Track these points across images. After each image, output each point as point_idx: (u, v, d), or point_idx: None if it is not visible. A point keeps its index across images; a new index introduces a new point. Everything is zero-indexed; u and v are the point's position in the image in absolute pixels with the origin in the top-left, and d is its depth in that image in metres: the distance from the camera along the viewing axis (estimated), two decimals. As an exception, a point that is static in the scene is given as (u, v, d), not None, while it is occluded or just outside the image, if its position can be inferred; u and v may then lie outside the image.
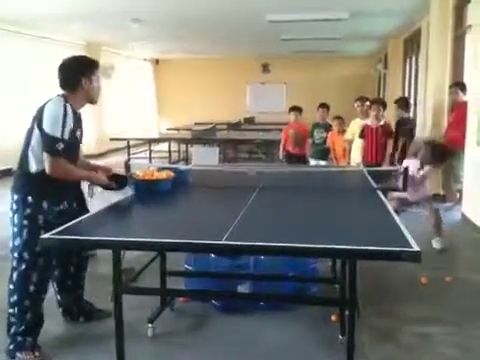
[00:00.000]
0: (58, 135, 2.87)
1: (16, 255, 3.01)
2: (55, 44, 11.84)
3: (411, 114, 8.07)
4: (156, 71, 18.74)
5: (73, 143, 3.06)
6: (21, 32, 10.59)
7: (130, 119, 15.83)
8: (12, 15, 9.07)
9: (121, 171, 3.46)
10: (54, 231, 2.48)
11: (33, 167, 2.97)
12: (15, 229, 3.02)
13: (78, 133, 3.13)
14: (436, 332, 3.35)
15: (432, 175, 5.11)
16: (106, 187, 3.26)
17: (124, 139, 10.79)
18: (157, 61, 18.61)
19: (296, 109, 7.28)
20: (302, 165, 6.53)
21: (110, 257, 2.64)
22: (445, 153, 5.36)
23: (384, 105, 6.07)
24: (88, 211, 3.18)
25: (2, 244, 3.56)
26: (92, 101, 3.20)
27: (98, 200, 3.13)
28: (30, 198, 2.97)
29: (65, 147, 2.91)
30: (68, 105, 2.96)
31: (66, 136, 2.91)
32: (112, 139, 11.06)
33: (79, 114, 3.18)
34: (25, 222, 2.98)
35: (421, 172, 5.04)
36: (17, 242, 3.01)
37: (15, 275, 3.02)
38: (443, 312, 3.67)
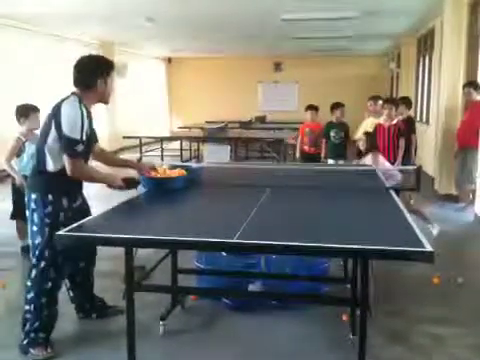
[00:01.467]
0: (78, 137, 2.89)
1: (37, 253, 3.03)
2: (69, 43, 11.93)
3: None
4: (168, 70, 18.79)
5: (89, 141, 3.09)
6: (35, 31, 10.68)
7: (142, 117, 15.88)
8: (26, 14, 9.14)
9: (132, 174, 3.43)
10: (68, 228, 2.50)
11: (51, 166, 2.99)
12: (35, 228, 3.04)
13: (90, 132, 3.14)
14: (448, 333, 3.32)
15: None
16: (118, 187, 3.23)
17: (136, 137, 10.83)
18: (169, 60, 18.65)
19: (313, 108, 7.26)
20: (315, 164, 6.52)
21: (121, 254, 2.66)
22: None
23: (397, 104, 6.03)
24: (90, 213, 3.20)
25: (1, 242, 3.56)
26: (105, 101, 3.22)
27: (101, 198, 3.12)
28: (50, 196, 3.00)
29: (85, 148, 2.96)
30: (83, 105, 2.99)
31: (85, 137, 2.95)
32: (125, 137, 11.11)
33: (91, 113, 3.18)
34: (47, 220, 3.00)
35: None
36: (38, 240, 3.02)
37: (34, 272, 3.04)
38: (455, 313, 3.65)
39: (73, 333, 3.38)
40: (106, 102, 3.24)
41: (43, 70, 10.86)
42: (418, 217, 5.11)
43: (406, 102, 6.93)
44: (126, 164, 3.61)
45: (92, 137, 3.20)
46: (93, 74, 3.08)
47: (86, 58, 3.15)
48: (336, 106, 6.97)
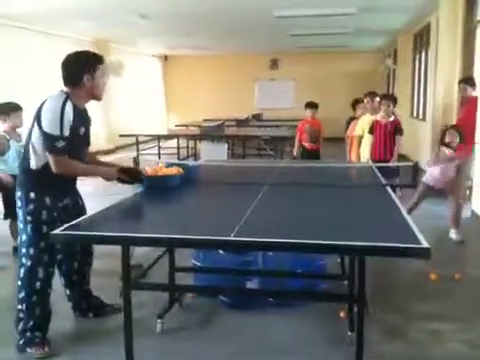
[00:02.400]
0: (57, 133, 2.85)
1: (23, 251, 3.03)
2: (63, 41, 11.87)
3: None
4: (165, 67, 18.75)
5: (77, 140, 3.03)
6: (28, 28, 10.62)
7: (139, 115, 15.86)
8: (19, 11, 9.07)
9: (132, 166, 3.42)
10: (64, 226, 2.49)
11: (33, 164, 2.97)
12: (21, 225, 3.04)
13: (82, 130, 3.09)
14: (445, 329, 3.33)
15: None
16: (121, 181, 3.19)
17: (133, 135, 10.80)
18: (166, 57, 18.61)
19: (313, 105, 7.46)
20: (314, 161, 6.52)
21: (119, 253, 2.66)
22: None
23: (394, 101, 6.03)
24: (85, 212, 3.18)
25: (1, 241, 3.57)
26: (96, 98, 3.13)
27: (99, 197, 3.11)
28: (33, 194, 2.98)
29: (67, 144, 2.89)
30: (68, 102, 2.92)
31: (66, 133, 2.88)
32: (121, 135, 11.09)
33: (84, 111, 3.14)
34: (29, 218, 2.99)
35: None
36: (23, 238, 3.03)
37: (22, 271, 3.04)
38: (452, 309, 3.66)
39: (70, 331, 3.38)
40: (98, 98, 3.14)
41: (36, 69, 10.78)
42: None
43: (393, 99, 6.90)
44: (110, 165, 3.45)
45: (86, 136, 3.16)
46: (78, 70, 3.00)
47: (71, 55, 3.07)
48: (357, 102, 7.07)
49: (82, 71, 3.00)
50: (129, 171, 3.22)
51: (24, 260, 3.03)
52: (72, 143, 2.94)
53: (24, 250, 3.02)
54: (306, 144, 7.44)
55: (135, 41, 14.07)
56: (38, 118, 2.90)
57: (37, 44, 11.08)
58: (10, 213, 4.65)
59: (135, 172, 3.27)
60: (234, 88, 17.59)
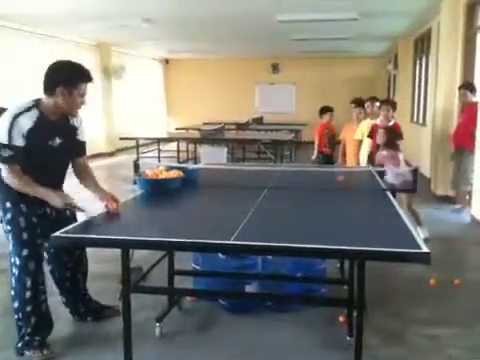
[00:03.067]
0: (3, 141, 2.77)
1: (12, 260, 3.01)
2: (66, 44, 11.90)
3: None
4: (166, 71, 18.78)
5: (46, 151, 2.93)
6: (31, 31, 10.66)
7: (139, 118, 15.87)
8: (22, 14, 9.12)
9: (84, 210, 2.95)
10: (63, 230, 2.49)
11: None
12: (5, 236, 3.03)
13: (57, 141, 2.96)
14: (444, 334, 3.33)
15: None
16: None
17: (133, 138, 10.79)
18: (167, 61, 18.65)
19: (330, 110, 7.31)
20: (313, 165, 6.52)
21: (118, 256, 2.66)
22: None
23: (394, 106, 6.03)
24: (76, 219, 3.06)
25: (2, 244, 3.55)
26: (67, 113, 2.99)
27: (97, 200, 3.08)
28: (8, 203, 2.95)
29: (16, 154, 2.79)
30: (33, 111, 2.84)
31: (17, 143, 2.78)
32: (121, 138, 11.09)
33: (61, 121, 2.99)
34: (8, 227, 2.97)
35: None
36: (10, 248, 3.02)
37: (13, 281, 3.02)
38: (452, 314, 3.65)
39: (69, 335, 3.37)
40: (71, 114, 3.01)
41: (36, 72, 10.80)
42: (413, 218, 5.13)
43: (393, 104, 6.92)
44: (95, 189, 3.15)
45: (61, 147, 3.00)
46: (53, 81, 2.86)
47: (56, 62, 2.95)
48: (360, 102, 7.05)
49: (57, 82, 2.84)
50: (67, 202, 2.89)
51: (13, 269, 3.01)
52: (37, 154, 2.87)
53: (12, 260, 3.00)
54: (325, 149, 7.27)
55: (137, 44, 14.10)
56: None
57: (39, 47, 11.09)
58: None
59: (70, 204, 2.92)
60: (234, 92, 17.61)
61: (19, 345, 3.04)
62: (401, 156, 4.96)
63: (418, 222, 5.35)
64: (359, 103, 6.79)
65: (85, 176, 3.23)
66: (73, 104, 2.92)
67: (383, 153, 5.03)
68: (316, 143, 7.45)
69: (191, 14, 9.18)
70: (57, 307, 3.41)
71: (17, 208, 2.94)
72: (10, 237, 2.99)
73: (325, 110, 7.39)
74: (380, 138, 5.29)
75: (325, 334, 3.32)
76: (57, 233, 2.46)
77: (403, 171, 4.34)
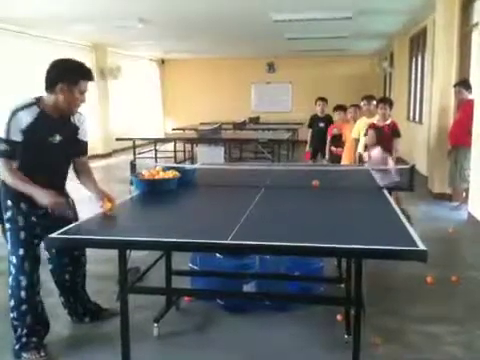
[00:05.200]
0: (1, 135, 2.80)
1: (9, 259, 3.02)
2: (61, 45, 11.88)
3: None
4: (162, 71, 18.76)
5: (44, 147, 2.94)
6: (26, 33, 10.62)
7: (136, 119, 15.86)
8: (18, 16, 9.08)
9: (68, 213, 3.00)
10: (60, 231, 2.49)
11: None
12: (4, 235, 3.04)
13: (57, 138, 2.97)
14: (442, 331, 3.34)
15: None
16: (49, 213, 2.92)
17: (130, 139, 10.79)
18: (163, 61, 18.63)
19: (343, 108, 7.05)
20: (309, 164, 6.53)
21: (116, 257, 2.65)
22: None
23: (391, 104, 6.05)
24: (77, 219, 3.09)
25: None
26: (67, 111, 2.99)
27: (95, 201, 3.07)
28: (9, 201, 2.96)
29: (12, 149, 2.81)
30: (33, 107, 2.87)
31: (14, 137, 2.80)
32: (118, 139, 11.08)
33: (62, 118, 3.01)
34: (8, 225, 2.98)
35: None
36: (8, 247, 3.02)
37: (10, 280, 3.03)
38: (449, 311, 3.66)
39: (67, 336, 3.36)
40: (70, 112, 3.02)
41: (31, 73, 10.75)
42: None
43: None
44: (93, 188, 3.16)
45: (60, 145, 3.00)
46: (54, 78, 2.89)
47: (58, 60, 2.97)
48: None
49: (57, 79, 2.87)
50: (56, 202, 2.88)
51: (11, 268, 3.02)
52: (36, 150, 2.90)
53: (10, 258, 3.01)
54: (333, 149, 7.02)
55: (133, 45, 14.08)
56: None
57: (34, 48, 11.07)
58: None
59: (60, 204, 2.90)
60: (231, 91, 17.61)
61: (16, 347, 3.03)
62: (391, 156, 4.99)
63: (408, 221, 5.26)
64: (343, 109, 6.99)
65: (84, 175, 3.25)
66: (73, 101, 2.94)
67: (374, 153, 5.05)
68: (328, 143, 7.19)
69: (186, 14, 9.17)
70: (55, 308, 3.41)
71: (17, 207, 2.95)
72: (8, 235, 2.99)
73: (338, 108, 7.10)
74: (370, 139, 5.29)
75: (323, 333, 3.32)
76: (53, 234, 2.45)
77: (391, 173, 4.38)
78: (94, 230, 2.63)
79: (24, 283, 2.99)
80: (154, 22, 9.82)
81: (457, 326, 3.42)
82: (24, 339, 3.03)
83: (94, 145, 12.26)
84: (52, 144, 2.97)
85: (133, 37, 12.22)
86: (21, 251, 2.95)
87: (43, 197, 2.85)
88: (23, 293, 2.99)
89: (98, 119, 13.35)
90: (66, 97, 2.90)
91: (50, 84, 2.90)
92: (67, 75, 2.90)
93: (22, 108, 2.85)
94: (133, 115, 15.87)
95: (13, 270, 3.00)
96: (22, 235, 2.95)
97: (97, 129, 13.09)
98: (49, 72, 2.93)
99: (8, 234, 2.99)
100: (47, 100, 2.94)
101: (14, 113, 2.82)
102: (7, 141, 2.81)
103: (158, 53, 16.77)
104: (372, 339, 3.15)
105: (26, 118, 2.84)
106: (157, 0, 8.01)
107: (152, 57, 17.85)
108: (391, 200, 3.19)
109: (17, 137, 2.82)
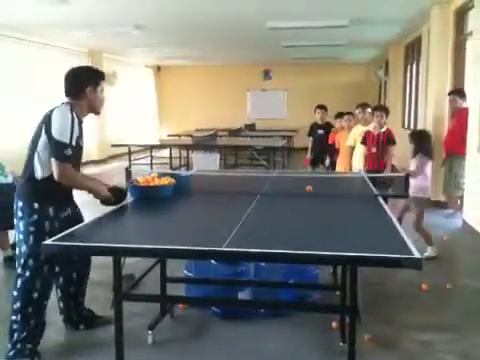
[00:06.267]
0: (66, 141, 2.90)
1: (21, 262, 3.01)
2: (57, 51, 11.88)
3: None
4: (157, 78, 18.78)
5: (78, 151, 3.10)
6: (23, 39, 10.61)
7: (131, 125, 15.85)
8: (14, 22, 9.09)
9: (120, 184, 3.40)
10: (55, 237, 2.48)
11: (39, 173, 2.98)
12: (21, 236, 3.02)
13: (81, 141, 3.15)
14: (437, 339, 3.33)
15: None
16: (104, 201, 3.19)
17: (125, 145, 10.79)
18: (158, 68, 18.65)
19: (343, 115, 6.97)
20: (304, 171, 6.53)
21: (110, 264, 2.64)
22: None
23: (387, 111, 6.07)
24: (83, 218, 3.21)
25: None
26: (95, 112, 3.25)
27: (91, 207, 3.09)
28: (36, 204, 2.98)
29: (73, 153, 2.95)
30: (74, 113, 3.00)
31: (74, 142, 2.94)
32: (113, 145, 11.07)
33: (82, 122, 3.19)
34: (31, 228, 2.98)
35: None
36: (23, 249, 3.01)
37: (19, 282, 3.02)
38: (444, 319, 3.66)
39: (61, 343, 3.34)
40: (97, 112, 3.26)
41: (29, 79, 10.76)
42: (421, 235, 4.98)
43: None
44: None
45: (81, 148, 3.18)
46: (82, 82, 3.11)
47: (76, 68, 3.20)
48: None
49: (85, 84, 3.10)
50: (115, 191, 3.20)
51: (22, 271, 3.01)
52: (74, 154, 3.00)
53: (23, 261, 3.00)
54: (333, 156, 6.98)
55: (128, 51, 14.10)
56: (47, 127, 2.93)
57: (30, 54, 11.06)
58: None
59: (120, 191, 3.24)
60: (226, 98, 17.64)
61: (10, 354, 3.01)
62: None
63: (428, 242, 5.04)
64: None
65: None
66: (100, 101, 3.22)
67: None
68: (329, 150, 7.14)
69: (182, 21, 9.20)
70: (49, 314, 3.38)
71: (45, 211, 3.00)
72: (30, 239, 2.98)
73: (341, 115, 7.07)
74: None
75: (318, 340, 3.31)
76: (48, 241, 2.45)
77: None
78: (89, 237, 2.61)
79: (39, 285, 3.02)
80: (150, 29, 9.84)
81: (453, 334, 3.41)
82: (19, 345, 3.01)
83: (89, 151, 12.25)
84: (81, 148, 3.15)
85: (129, 44, 12.24)
86: (43, 255, 2.94)
87: (105, 191, 3.14)
88: (35, 294, 3.02)
89: (93, 125, 13.32)
90: (95, 98, 3.16)
91: (79, 89, 3.11)
92: (91, 79, 3.16)
93: (73, 113, 2.98)
94: (129, 121, 15.86)
95: (27, 272, 3.00)
96: (46, 240, 2.94)
97: (92, 135, 13.05)
98: (71, 80, 3.14)
99: (30, 238, 2.98)
100: (78, 105, 3.09)
101: (73, 118, 2.95)
102: (71, 146, 2.93)
103: (154, 60, 16.79)
104: (363, 336, 3.15)
105: (77, 123, 3.00)
106: (153, 7, 8.03)
107: (148, 64, 17.87)
108: (386, 207, 3.19)
109: (74, 142, 2.96)
